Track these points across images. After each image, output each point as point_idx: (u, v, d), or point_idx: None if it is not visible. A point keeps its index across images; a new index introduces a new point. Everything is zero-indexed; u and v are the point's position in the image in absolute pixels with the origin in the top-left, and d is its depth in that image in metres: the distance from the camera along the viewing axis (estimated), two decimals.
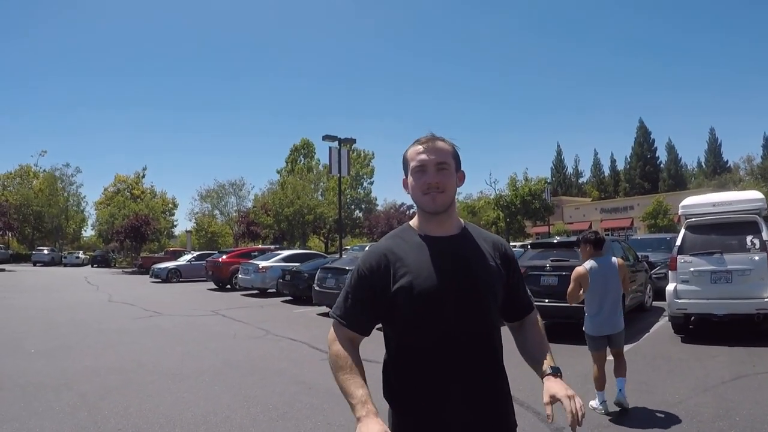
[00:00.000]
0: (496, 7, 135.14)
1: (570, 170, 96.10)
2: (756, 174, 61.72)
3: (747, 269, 9.11)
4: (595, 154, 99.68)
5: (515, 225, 35.31)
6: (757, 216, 9.93)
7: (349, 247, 35.66)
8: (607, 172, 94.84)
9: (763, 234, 9.36)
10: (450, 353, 1.96)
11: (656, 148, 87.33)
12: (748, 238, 9.30)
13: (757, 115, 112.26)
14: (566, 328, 9.52)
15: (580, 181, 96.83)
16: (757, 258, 9.08)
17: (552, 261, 10.58)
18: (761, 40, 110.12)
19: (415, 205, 2.13)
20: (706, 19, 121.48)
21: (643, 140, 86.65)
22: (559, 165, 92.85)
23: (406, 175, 2.12)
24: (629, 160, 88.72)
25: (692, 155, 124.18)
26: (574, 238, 9.11)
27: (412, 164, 2.06)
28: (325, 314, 14.39)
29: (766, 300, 8.91)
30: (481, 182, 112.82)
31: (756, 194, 11.05)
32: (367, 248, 2.21)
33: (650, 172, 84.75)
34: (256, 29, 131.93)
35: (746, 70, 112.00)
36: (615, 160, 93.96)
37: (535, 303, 7.80)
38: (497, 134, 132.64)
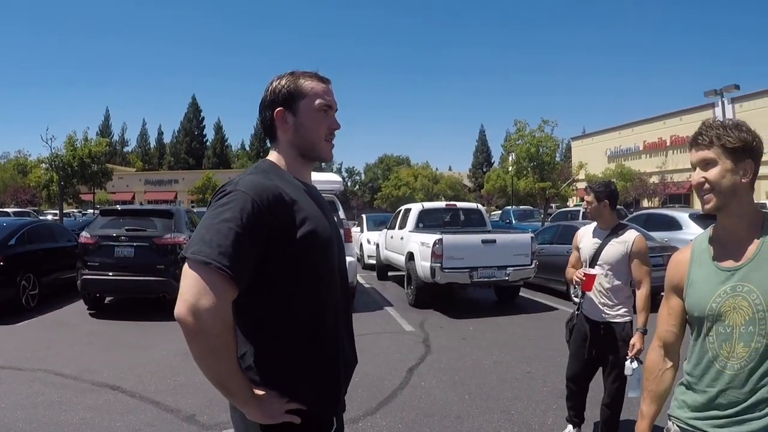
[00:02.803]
0: None
1: (116, 137, 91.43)
2: None
3: None
4: (144, 124, 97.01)
5: (71, 189, 31.44)
6: (334, 196, 10.92)
7: None
8: (153, 143, 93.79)
9: (340, 212, 10.36)
10: (337, 299, 1.81)
11: (204, 126, 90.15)
12: None
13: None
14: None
15: (125, 150, 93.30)
16: None
17: (127, 230, 9.48)
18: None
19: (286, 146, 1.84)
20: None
21: (194, 116, 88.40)
22: (105, 131, 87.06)
23: (289, 108, 1.79)
24: (177, 134, 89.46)
25: (238, 137, 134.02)
26: None
27: (317, 102, 1.79)
28: None
29: None
30: (35, 138, 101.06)
31: (335, 176, 12.31)
32: (245, 181, 1.60)
33: (196, 149, 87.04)
34: None
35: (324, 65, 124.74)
36: (162, 133, 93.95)
37: (109, 277, 8.59)
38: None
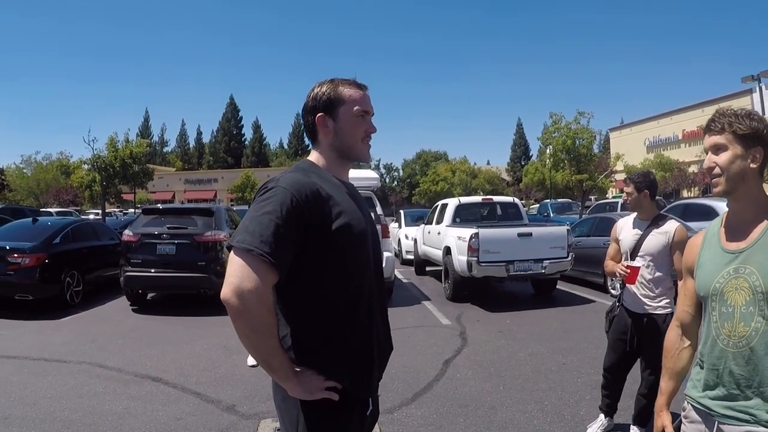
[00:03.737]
0: None
1: (156, 138, 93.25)
2: None
3: None
4: (183, 124, 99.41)
5: (113, 189, 32.26)
6: (371, 192, 10.95)
7: None
8: (192, 143, 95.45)
9: (377, 209, 10.41)
10: (372, 288, 1.93)
11: (243, 125, 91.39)
12: None
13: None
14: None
15: (165, 150, 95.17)
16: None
17: (169, 228, 9.68)
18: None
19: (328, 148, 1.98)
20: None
21: (232, 116, 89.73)
22: (145, 131, 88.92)
23: (329, 113, 1.94)
24: (215, 134, 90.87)
25: (276, 136, 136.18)
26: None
27: (355, 108, 1.94)
28: None
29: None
30: (76, 139, 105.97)
31: (372, 173, 12.40)
32: (285, 178, 1.80)
33: (235, 148, 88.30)
34: None
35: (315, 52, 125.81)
36: (201, 133, 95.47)
37: (151, 274, 8.43)
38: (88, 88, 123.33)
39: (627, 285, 4.11)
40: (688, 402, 1.97)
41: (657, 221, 4.05)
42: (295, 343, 1.79)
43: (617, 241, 4.32)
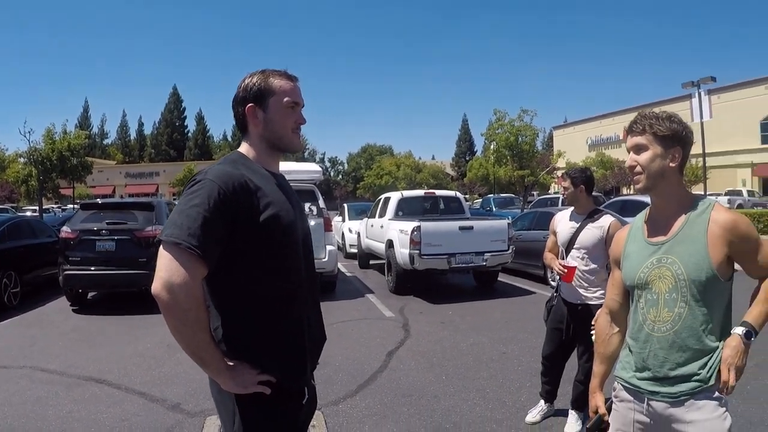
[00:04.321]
0: None
1: (96, 130, 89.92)
2: None
3: None
4: (124, 115, 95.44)
5: (50, 184, 30.91)
6: (314, 185, 10.97)
7: None
8: (134, 135, 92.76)
9: (320, 202, 10.42)
10: (301, 278, 1.93)
11: (186, 117, 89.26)
12: (307, 205, 10.11)
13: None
14: None
15: (105, 142, 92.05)
16: (314, 223, 9.83)
17: (108, 224, 9.43)
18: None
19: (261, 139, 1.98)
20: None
21: (174, 107, 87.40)
22: (84, 123, 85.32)
23: (259, 104, 1.94)
24: (158, 125, 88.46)
25: (220, 128, 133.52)
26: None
27: (285, 99, 1.94)
28: None
29: (323, 260, 10.03)
30: (12, 132, 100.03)
31: (314, 166, 12.41)
32: (214, 171, 1.79)
33: (177, 140, 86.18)
34: None
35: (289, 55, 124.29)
36: (143, 124, 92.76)
37: (91, 272, 8.53)
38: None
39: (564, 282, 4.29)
40: (618, 382, 2.13)
41: (593, 215, 4.23)
42: (225, 335, 1.81)
43: (555, 233, 4.50)
